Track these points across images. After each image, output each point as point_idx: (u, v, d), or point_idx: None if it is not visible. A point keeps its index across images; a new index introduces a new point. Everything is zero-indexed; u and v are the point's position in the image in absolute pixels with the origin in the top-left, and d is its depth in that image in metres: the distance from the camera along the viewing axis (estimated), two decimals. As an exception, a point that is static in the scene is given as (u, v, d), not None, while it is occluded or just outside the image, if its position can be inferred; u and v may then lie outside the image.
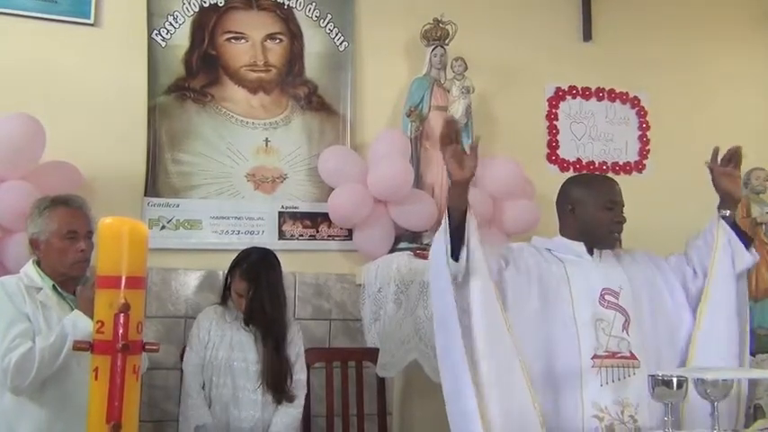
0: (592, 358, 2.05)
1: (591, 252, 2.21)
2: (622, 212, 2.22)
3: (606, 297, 2.13)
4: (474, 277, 1.98)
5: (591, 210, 2.20)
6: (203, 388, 2.57)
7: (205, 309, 2.74)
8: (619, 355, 2.06)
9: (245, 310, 2.62)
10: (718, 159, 2.36)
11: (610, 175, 3.93)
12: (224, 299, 2.72)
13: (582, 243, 2.21)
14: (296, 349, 2.67)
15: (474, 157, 2.03)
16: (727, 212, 2.27)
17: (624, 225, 2.23)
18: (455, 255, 1.96)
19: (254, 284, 2.63)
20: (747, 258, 2.23)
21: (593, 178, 2.39)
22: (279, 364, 2.58)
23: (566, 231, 2.26)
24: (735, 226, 2.27)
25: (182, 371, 2.66)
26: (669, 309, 2.22)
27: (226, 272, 2.75)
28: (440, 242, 2.00)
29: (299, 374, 2.64)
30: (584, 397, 2.02)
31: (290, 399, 2.59)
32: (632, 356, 2.07)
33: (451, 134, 2.03)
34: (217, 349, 2.58)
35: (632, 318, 2.11)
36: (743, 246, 2.23)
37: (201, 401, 2.53)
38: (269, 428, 2.55)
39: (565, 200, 2.28)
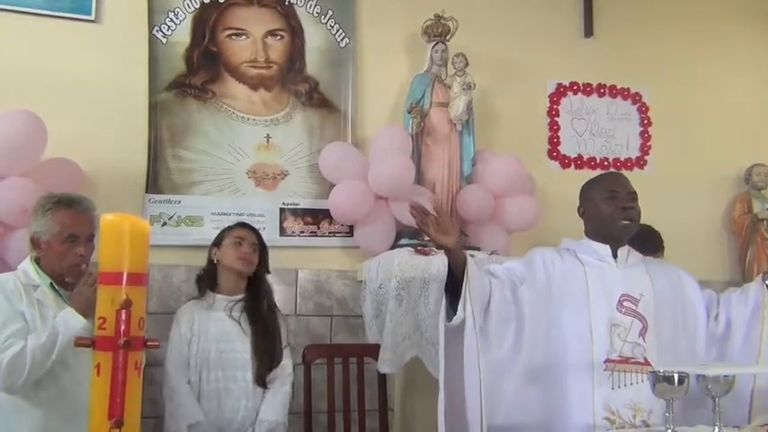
0: (604, 362, 2.06)
1: (616, 255, 2.21)
2: (631, 201, 2.20)
3: (624, 303, 2.13)
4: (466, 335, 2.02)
5: (595, 205, 2.22)
6: (190, 385, 2.54)
7: (182, 306, 2.71)
8: (632, 360, 2.08)
9: (245, 256, 2.64)
10: None
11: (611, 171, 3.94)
12: (203, 289, 2.69)
13: (607, 246, 2.22)
14: (282, 335, 2.67)
15: (446, 216, 2.09)
16: None
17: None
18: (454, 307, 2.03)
19: (255, 231, 2.72)
20: None
21: (597, 176, 2.41)
22: (271, 342, 2.59)
23: (588, 234, 2.29)
24: None
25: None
26: (692, 323, 2.22)
27: (210, 252, 2.74)
28: (441, 302, 2.08)
29: (285, 360, 2.64)
30: (595, 399, 2.04)
31: (274, 381, 2.59)
32: (646, 363, 2.07)
33: (421, 213, 2.08)
34: (203, 343, 2.56)
35: (650, 325, 2.12)
36: None
37: (191, 399, 2.50)
38: (257, 416, 2.55)
39: (579, 204, 2.32)
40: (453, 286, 2.05)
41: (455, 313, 2.02)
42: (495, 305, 2.09)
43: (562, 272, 2.18)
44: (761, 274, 2.29)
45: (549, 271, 2.18)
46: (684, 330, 2.20)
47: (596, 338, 2.08)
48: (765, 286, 2.22)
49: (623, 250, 2.23)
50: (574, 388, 2.06)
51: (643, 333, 2.11)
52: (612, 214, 2.18)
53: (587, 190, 2.30)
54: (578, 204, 2.33)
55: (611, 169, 3.94)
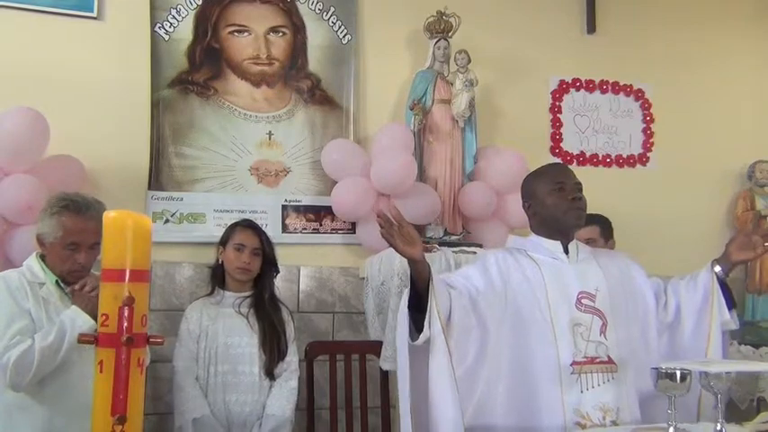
0: (571, 365, 2.03)
1: (567, 251, 2.18)
2: (578, 191, 2.15)
3: (583, 301, 2.10)
4: (431, 354, 1.95)
5: (542, 198, 2.16)
6: (197, 379, 2.55)
7: (192, 303, 2.73)
8: (597, 360, 2.04)
9: (243, 266, 2.63)
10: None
11: (614, 167, 3.94)
12: (213, 287, 2.71)
13: (558, 242, 2.17)
14: (287, 331, 2.68)
15: (409, 225, 1.98)
16: (719, 269, 2.18)
17: (588, 208, 2.18)
18: (418, 325, 1.95)
19: (259, 233, 2.70)
20: (727, 321, 2.16)
21: (539, 169, 2.31)
22: (276, 337, 2.61)
23: (535, 230, 2.24)
24: (724, 285, 2.19)
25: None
26: (642, 311, 2.20)
27: (217, 251, 2.74)
28: (403, 320, 1.98)
29: (291, 356, 2.65)
30: (564, 404, 2.00)
31: (280, 376, 2.60)
32: (610, 361, 2.05)
33: (387, 222, 1.95)
34: (212, 339, 2.58)
35: (609, 320, 2.09)
36: (726, 308, 2.16)
37: (197, 393, 2.52)
38: (264, 411, 2.56)
39: (522, 199, 2.26)
40: (415, 299, 1.98)
41: (417, 328, 1.94)
42: (455, 318, 2.01)
43: (518, 275, 2.12)
44: (710, 261, 2.23)
45: (505, 275, 2.12)
46: (636, 319, 2.17)
47: (560, 341, 2.04)
48: (714, 274, 2.18)
49: (573, 245, 2.18)
50: (542, 395, 2.02)
51: (603, 330, 2.07)
52: (561, 206, 2.13)
53: (531, 184, 2.22)
54: (522, 200, 2.26)
55: (614, 166, 3.94)
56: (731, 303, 2.17)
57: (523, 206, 2.26)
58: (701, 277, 2.20)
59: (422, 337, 1.93)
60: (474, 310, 2.07)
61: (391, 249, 3.11)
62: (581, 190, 2.17)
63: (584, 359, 2.04)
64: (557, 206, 2.13)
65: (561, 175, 2.19)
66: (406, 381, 1.96)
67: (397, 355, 2.03)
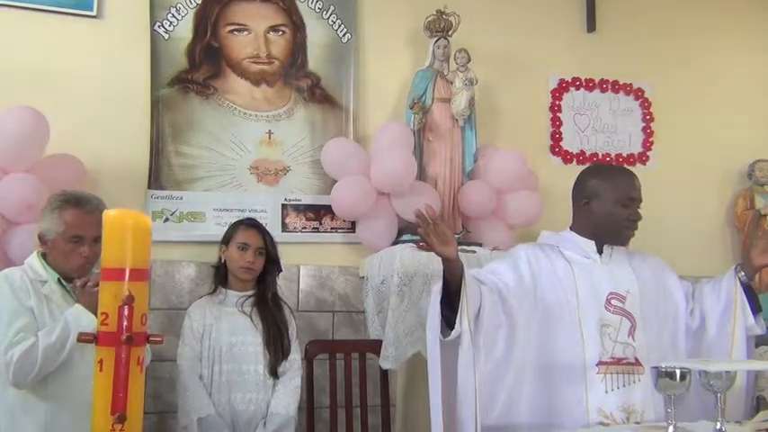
0: (597, 365, 2.04)
1: (600, 251, 2.18)
2: (639, 208, 2.17)
3: (612, 302, 2.11)
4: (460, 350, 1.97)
5: (607, 205, 2.15)
6: (201, 378, 2.55)
7: (195, 302, 2.72)
8: (624, 361, 2.06)
9: (247, 265, 2.62)
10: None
11: (614, 167, 3.94)
12: (215, 285, 2.71)
13: (592, 242, 2.18)
14: (290, 329, 2.68)
15: (444, 225, 2.02)
16: (743, 274, 2.19)
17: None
18: (448, 321, 1.98)
19: (262, 232, 2.69)
20: (751, 326, 2.17)
21: (612, 171, 2.31)
22: (280, 335, 2.61)
23: (578, 225, 2.23)
24: (748, 289, 2.19)
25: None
26: (672, 315, 2.21)
27: (219, 250, 2.72)
28: (433, 316, 2.01)
29: (294, 354, 2.65)
30: (588, 404, 2.02)
31: (283, 374, 2.60)
32: (637, 362, 2.06)
33: (425, 222, 1.97)
34: (215, 338, 2.58)
35: (638, 323, 2.10)
36: (751, 312, 2.17)
37: (202, 393, 2.52)
38: (268, 409, 2.56)
39: (580, 192, 2.24)
40: (446, 296, 2.00)
41: (446, 323, 1.97)
42: (485, 315, 2.03)
43: (549, 273, 2.13)
44: (734, 266, 2.23)
45: (535, 272, 2.13)
46: (666, 324, 2.18)
47: (587, 340, 2.05)
48: (738, 279, 2.18)
49: (608, 246, 2.19)
50: (566, 393, 2.03)
51: (632, 331, 2.08)
52: (623, 222, 2.14)
53: (595, 182, 2.19)
54: (577, 191, 2.24)
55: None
56: (756, 308, 2.17)
57: (578, 200, 2.23)
58: (725, 282, 2.21)
59: (453, 334, 1.96)
60: (503, 307, 2.09)
61: (391, 248, 3.16)
62: (639, 207, 2.18)
63: (611, 360, 2.05)
64: (618, 220, 2.15)
65: (634, 190, 2.18)
66: (436, 375, 1.98)
67: (427, 351, 2.05)
